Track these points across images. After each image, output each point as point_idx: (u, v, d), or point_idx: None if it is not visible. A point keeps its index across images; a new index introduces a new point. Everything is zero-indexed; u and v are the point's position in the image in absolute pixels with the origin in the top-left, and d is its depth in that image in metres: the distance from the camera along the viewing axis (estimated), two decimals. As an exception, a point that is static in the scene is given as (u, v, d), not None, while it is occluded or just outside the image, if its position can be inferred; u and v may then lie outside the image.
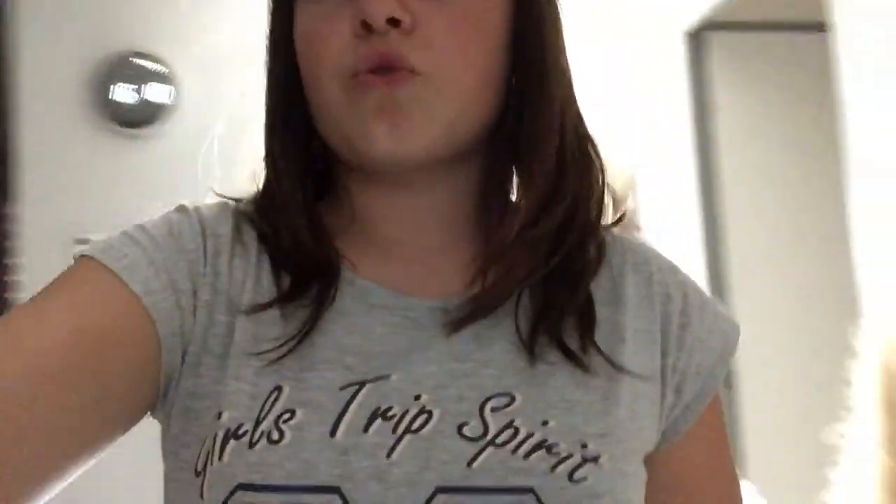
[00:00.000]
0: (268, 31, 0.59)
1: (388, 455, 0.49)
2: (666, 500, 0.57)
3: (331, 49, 0.52)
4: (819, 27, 1.86)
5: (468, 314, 0.53)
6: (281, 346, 0.52)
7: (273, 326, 0.53)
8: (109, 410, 0.51)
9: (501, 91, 0.56)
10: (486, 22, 0.54)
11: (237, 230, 0.57)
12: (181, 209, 0.59)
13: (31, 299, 0.52)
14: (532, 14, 0.56)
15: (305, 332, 0.52)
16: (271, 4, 0.58)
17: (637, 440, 0.54)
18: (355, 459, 0.49)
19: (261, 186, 0.59)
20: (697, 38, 2.29)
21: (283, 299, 0.54)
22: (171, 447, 0.54)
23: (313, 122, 0.56)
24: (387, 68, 0.51)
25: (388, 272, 0.56)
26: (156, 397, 0.54)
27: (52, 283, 0.53)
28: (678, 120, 2.33)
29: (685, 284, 0.61)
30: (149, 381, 0.53)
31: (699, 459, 0.60)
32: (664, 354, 0.57)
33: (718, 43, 2.28)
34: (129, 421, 0.53)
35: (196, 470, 0.51)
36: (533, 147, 0.56)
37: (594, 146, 0.59)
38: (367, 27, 0.50)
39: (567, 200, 0.56)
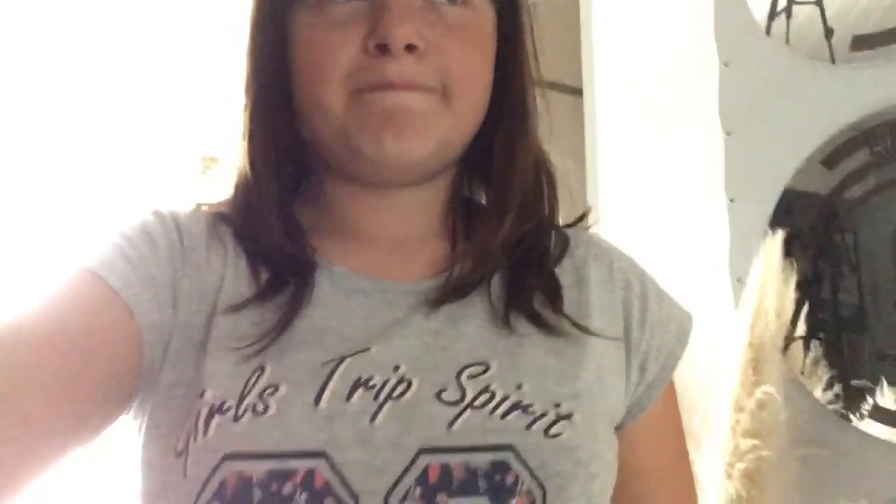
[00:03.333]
0: (251, 35, 0.59)
1: (372, 420, 0.51)
2: (626, 484, 0.60)
3: (339, 60, 0.54)
4: (573, 91, 2.13)
5: (443, 294, 0.57)
6: (261, 339, 0.52)
7: (252, 320, 0.54)
8: (89, 405, 0.51)
9: (487, 106, 0.60)
10: (487, 42, 0.59)
11: (212, 228, 0.59)
12: (155, 213, 0.60)
13: (13, 301, 0.52)
14: (514, 28, 0.61)
15: (283, 324, 0.53)
16: (260, 11, 0.59)
17: (605, 404, 0.58)
18: (340, 425, 0.50)
19: (233, 189, 0.60)
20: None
21: (260, 295, 0.55)
22: (149, 437, 0.54)
23: (298, 125, 0.58)
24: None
25: (364, 261, 0.59)
26: (137, 390, 0.54)
27: (38, 288, 0.53)
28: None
29: (643, 275, 0.66)
30: (130, 372, 0.53)
31: (660, 444, 0.64)
32: (627, 332, 0.61)
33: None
34: (108, 416, 0.53)
35: (177, 451, 0.51)
36: (512, 158, 0.61)
37: (544, 153, 0.64)
38: (381, 48, 0.53)
39: (534, 206, 0.62)
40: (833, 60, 1.20)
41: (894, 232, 1.16)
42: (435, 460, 0.50)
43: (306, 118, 0.57)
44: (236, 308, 0.54)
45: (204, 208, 0.62)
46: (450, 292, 0.57)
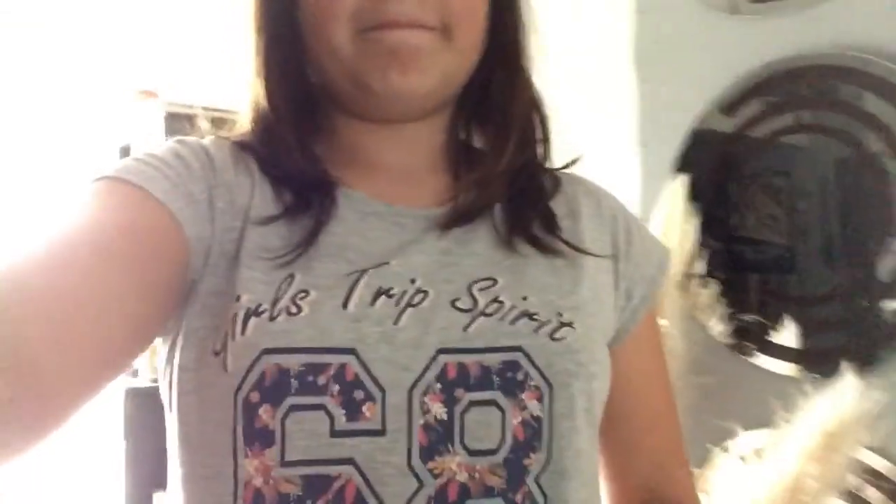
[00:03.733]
0: None
1: (395, 322, 0.55)
2: (613, 402, 0.65)
3: (344, 3, 0.58)
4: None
5: (451, 219, 0.62)
6: (292, 251, 0.56)
7: (279, 234, 0.58)
8: (147, 308, 0.54)
9: (484, 43, 0.64)
10: None
11: (236, 154, 0.62)
12: (179, 140, 0.63)
13: (63, 211, 0.53)
14: None
15: (311, 237, 0.57)
16: None
17: (600, 317, 0.64)
18: (366, 325, 0.55)
19: (252, 124, 0.63)
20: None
21: (287, 212, 0.59)
22: (185, 342, 0.57)
23: (307, 64, 0.62)
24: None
25: (378, 188, 0.63)
26: (183, 293, 0.57)
27: (77, 202, 0.54)
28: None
29: (626, 211, 0.72)
30: (179, 282, 0.56)
31: (643, 364, 0.71)
32: (615, 260, 0.67)
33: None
34: (165, 313, 0.56)
35: (214, 350, 0.54)
36: (511, 94, 0.66)
37: (538, 92, 0.69)
38: None
39: (530, 142, 0.67)
40: (736, 11, 1.25)
41: (789, 175, 1.24)
42: (452, 359, 0.55)
43: (315, 57, 0.61)
44: (266, 222, 0.58)
45: (223, 138, 0.65)
46: (457, 218, 0.62)
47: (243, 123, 0.65)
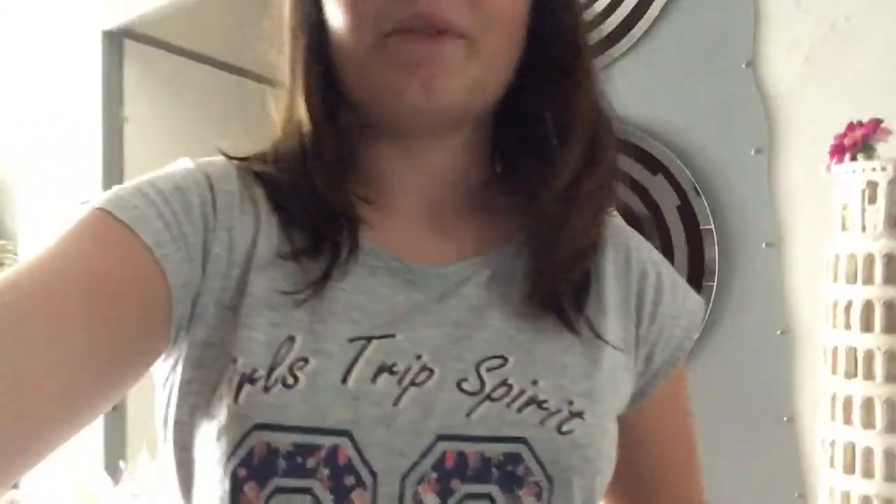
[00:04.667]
0: None
1: (395, 403, 0.52)
2: (631, 460, 0.62)
3: (368, 7, 0.53)
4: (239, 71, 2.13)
5: (460, 280, 0.58)
6: (304, 289, 0.54)
7: (288, 278, 0.55)
8: (121, 356, 0.51)
9: (516, 64, 0.58)
10: None
11: (244, 187, 0.58)
12: (187, 168, 0.58)
13: (45, 248, 0.50)
14: None
15: (324, 280, 0.54)
16: None
17: (614, 401, 0.59)
18: (365, 406, 0.51)
19: (278, 146, 0.59)
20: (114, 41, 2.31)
21: (300, 251, 0.55)
22: (180, 395, 0.54)
23: (337, 80, 0.57)
24: (432, 28, 0.52)
25: (395, 235, 0.59)
26: (166, 346, 0.54)
27: (62, 233, 0.52)
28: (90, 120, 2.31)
29: (660, 263, 0.65)
30: (159, 329, 0.53)
31: (661, 431, 0.66)
32: (637, 325, 0.62)
33: (134, 52, 2.35)
34: (138, 369, 0.53)
35: (210, 413, 0.52)
36: (569, 118, 0.59)
37: (612, 126, 0.61)
38: None
39: (607, 186, 0.60)
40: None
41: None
42: (452, 447, 0.52)
43: (341, 69, 0.57)
44: (269, 268, 0.55)
45: (234, 162, 0.60)
46: (471, 276, 0.58)
47: (258, 148, 0.60)
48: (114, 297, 0.50)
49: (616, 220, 0.65)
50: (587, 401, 0.56)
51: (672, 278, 0.66)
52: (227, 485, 0.51)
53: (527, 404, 0.54)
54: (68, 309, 0.48)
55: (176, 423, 0.54)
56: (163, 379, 0.56)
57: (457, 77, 0.54)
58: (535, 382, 0.55)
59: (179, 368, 0.54)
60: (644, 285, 0.63)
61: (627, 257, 0.63)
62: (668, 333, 0.64)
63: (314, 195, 0.56)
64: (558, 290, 0.58)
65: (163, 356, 0.55)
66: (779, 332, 1.27)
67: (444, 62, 0.53)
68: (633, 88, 1.38)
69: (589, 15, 1.33)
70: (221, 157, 0.61)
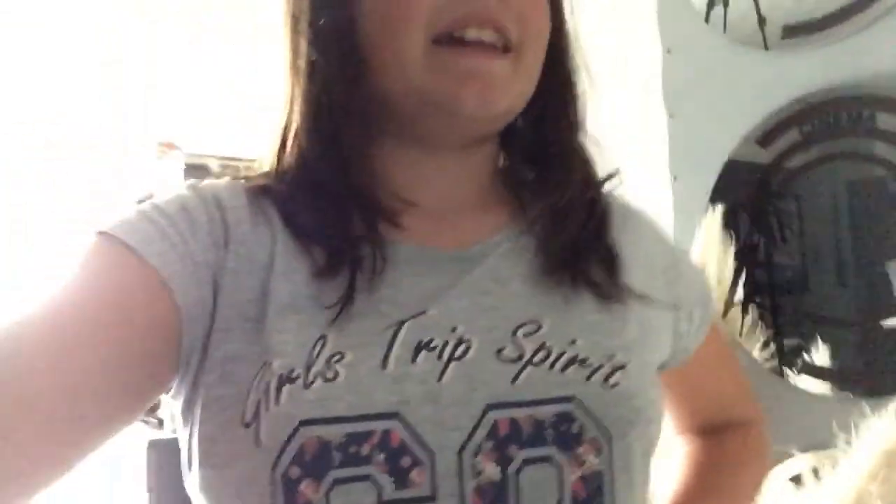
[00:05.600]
0: None
1: (439, 379, 0.52)
2: (685, 398, 0.69)
3: (422, 3, 0.54)
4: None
5: (483, 255, 0.59)
6: (337, 303, 0.53)
7: (310, 289, 0.54)
8: (131, 378, 0.51)
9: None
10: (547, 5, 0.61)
11: (254, 202, 0.58)
12: (191, 187, 0.59)
13: (55, 278, 0.51)
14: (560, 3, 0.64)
15: (344, 302, 0.53)
16: None
17: (652, 353, 0.61)
18: (409, 386, 0.52)
19: (288, 162, 0.59)
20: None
21: (323, 268, 0.55)
22: (208, 413, 0.53)
23: (362, 83, 0.56)
24: (489, 28, 0.55)
25: (412, 233, 0.59)
26: (177, 368, 0.54)
27: (71, 262, 0.52)
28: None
29: (664, 234, 0.72)
30: (169, 350, 0.53)
31: (711, 361, 0.74)
32: (670, 286, 0.66)
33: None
34: (150, 392, 0.53)
35: (245, 421, 0.51)
36: (568, 126, 0.64)
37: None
38: None
39: (593, 177, 0.66)
40: (766, 47, 1.30)
41: (829, 200, 1.27)
42: (502, 415, 0.52)
43: (377, 72, 0.56)
44: (290, 273, 0.54)
45: (241, 181, 0.60)
46: (494, 249, 0.61)
47: (263, 164, 0.61)
48: (121, 320, 0.50)
49: (622, 200, 0.70)
50: (627, 353, 0.57)
51: (678, 248, 0.72)
52: (279, 489, 0.50)
53: (569, 364, 0.55)
54: (75, 335, 0.48)
55: (204, 440, 0.53)
56: (180, 394, 0.56)
57: (506, 91, 0.56)
58: (573, 342, 0.56)
59: (203, 386, 0.54)
60: (659, 250, 0.68)
61: (638, 228, 0.68)
62: (696, 290, 0.70)
63: (326, 210, 0.57)
64: (575, 258, 0.60)
65: (177, 385, 0.55)
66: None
67: (495, 76, 0.55)
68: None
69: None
70: (226, 178, 0.61)
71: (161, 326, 0.52)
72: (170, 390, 0.56)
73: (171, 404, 0.57)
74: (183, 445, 0.57)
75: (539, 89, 0.61)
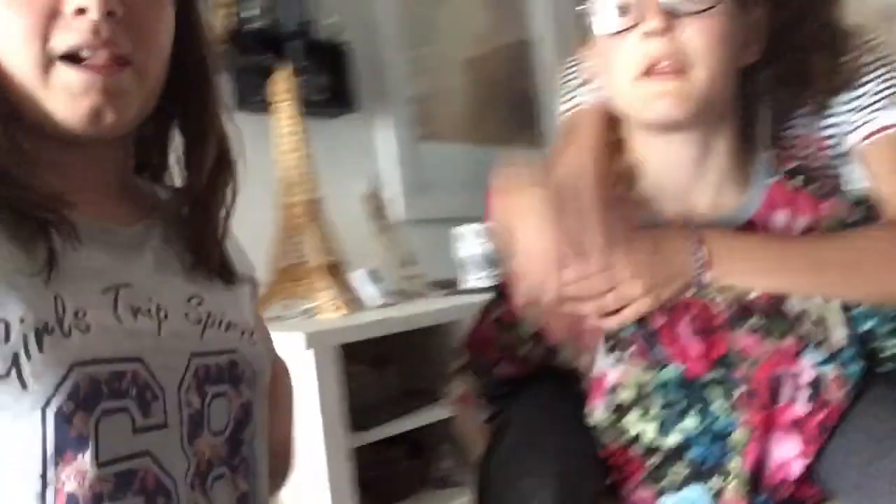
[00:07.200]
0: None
1: (159, 334, 0.66)
2: None
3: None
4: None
5: (143, 241, 0.70)
6: (40, 272, 0.59)
7: (15, 256, 0.59)
8: None
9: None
10: (167, 10, 0.69)
11: None
12: None
13: None
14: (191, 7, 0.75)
15: (51, 265, 0.60)
16: None
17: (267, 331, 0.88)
18: (142, 338, 0.64)
19: None
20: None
21: (21, 236, 0.59)
22: None
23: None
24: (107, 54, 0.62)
25: (95, 210, 0.67)
26: None
27: None
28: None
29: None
30: None
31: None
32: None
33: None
34: None
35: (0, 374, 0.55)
36: (201, 132, 0.75)
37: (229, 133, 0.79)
38: (81, 11, 0.61)
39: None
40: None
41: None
42: (200, 362, 0.68)
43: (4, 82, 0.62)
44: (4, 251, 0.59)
45: None
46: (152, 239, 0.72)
47: None
48: None
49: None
50: (247, 324, 0.76)
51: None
52: (50, 424, 0.56)
53: (228, 327, 0.73)
54: None
55: None
56: None
57: (129, 103, 0.65)
58: (223, 313, 0.73)
59: None
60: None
61: None
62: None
63: (20, 197, 0.61)
64: (208, 253, 0.75)
65: None
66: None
67: (117, 90, 0.63)
68: None
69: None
70: None
71: None
72: None
73: None
74: None
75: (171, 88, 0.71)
